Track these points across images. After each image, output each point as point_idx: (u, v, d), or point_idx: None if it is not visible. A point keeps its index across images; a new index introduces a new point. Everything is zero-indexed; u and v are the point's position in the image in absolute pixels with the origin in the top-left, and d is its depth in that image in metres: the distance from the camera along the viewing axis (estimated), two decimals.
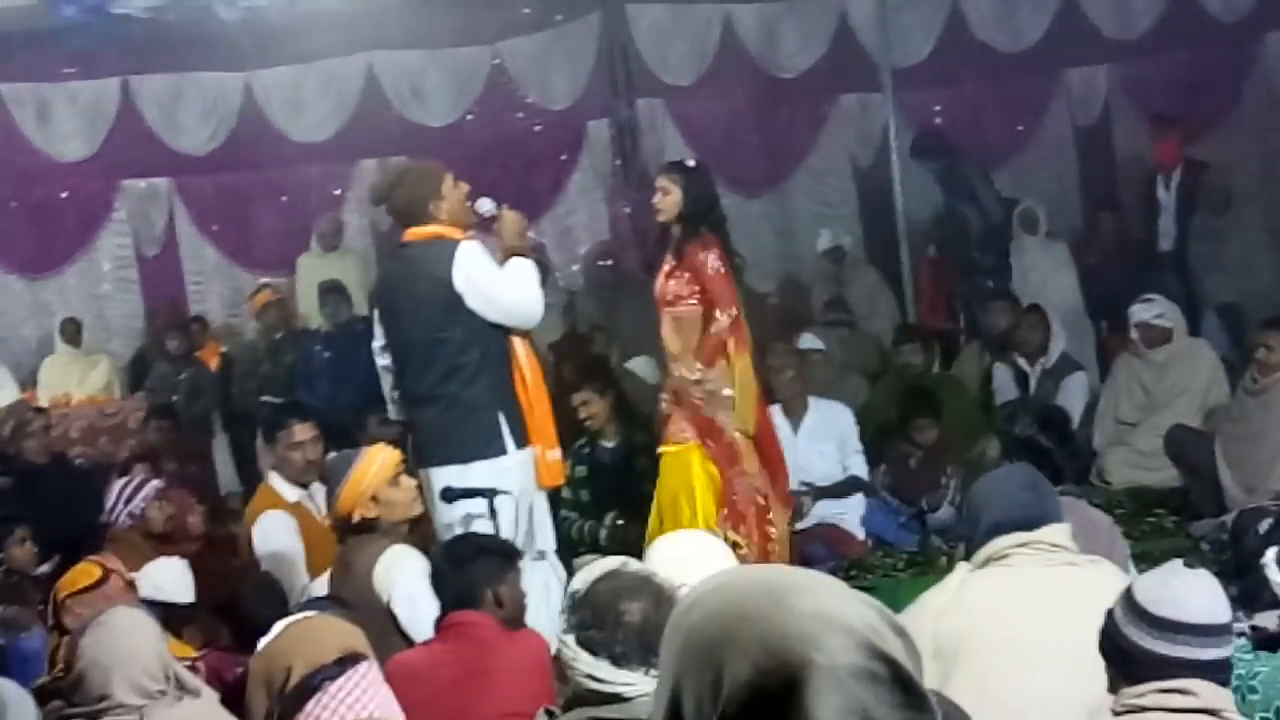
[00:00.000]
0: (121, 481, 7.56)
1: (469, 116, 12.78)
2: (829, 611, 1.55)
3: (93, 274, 12.81)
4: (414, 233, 6.50)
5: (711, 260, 6.94)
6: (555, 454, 6.61)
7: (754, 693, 1.51)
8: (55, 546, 7.18)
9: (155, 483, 7.55)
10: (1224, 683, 3.34)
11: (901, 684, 1.54)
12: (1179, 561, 3.46)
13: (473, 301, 6.29)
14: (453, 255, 6.30)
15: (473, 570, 4.81)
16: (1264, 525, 6.55)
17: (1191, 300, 10.53)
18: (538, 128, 12.96)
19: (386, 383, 6.70)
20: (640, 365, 9.81)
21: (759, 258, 12.04)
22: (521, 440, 6.40)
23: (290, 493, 7.07)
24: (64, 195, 12.60)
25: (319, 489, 7.01)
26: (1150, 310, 9.11)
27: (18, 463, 9.24)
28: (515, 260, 6.43)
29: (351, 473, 5.78)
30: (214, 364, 11.85)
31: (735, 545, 6.71)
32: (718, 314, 6.93)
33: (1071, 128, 13.40)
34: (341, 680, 3.61)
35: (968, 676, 3.78)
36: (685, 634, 1.59)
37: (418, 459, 6.48)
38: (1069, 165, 13.43)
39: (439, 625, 4.84)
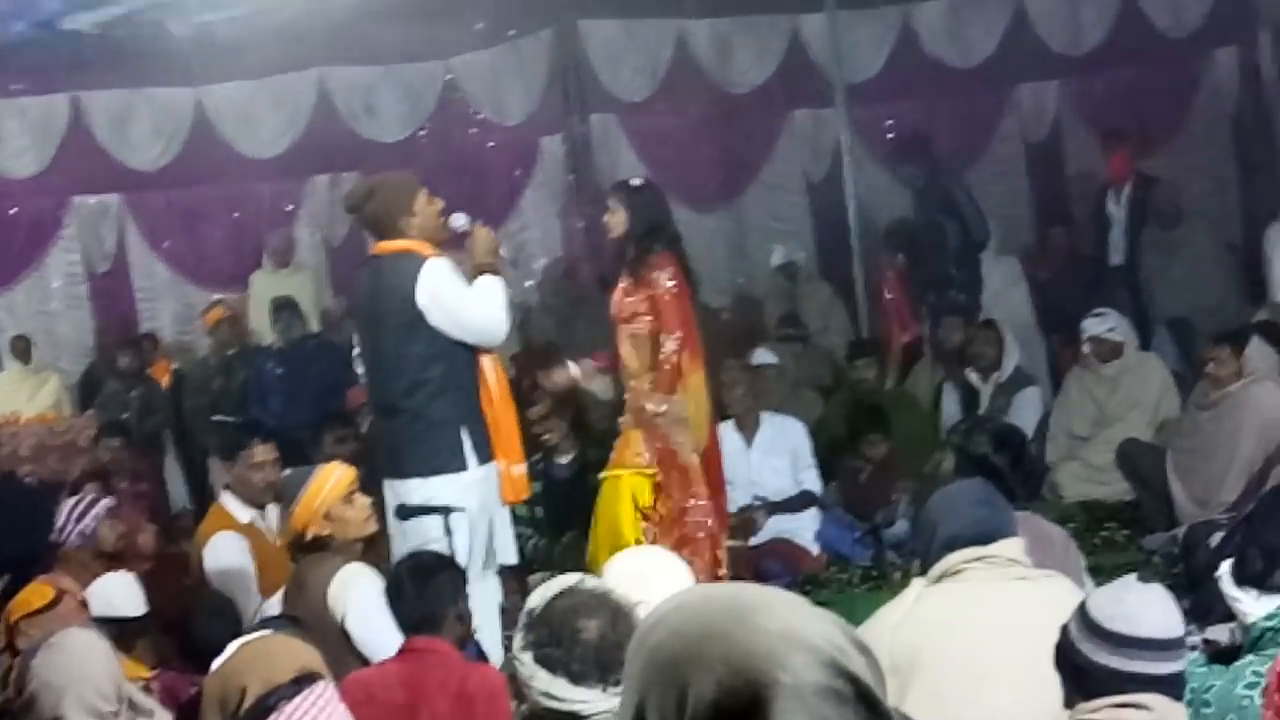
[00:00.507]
0: (72, 500, 7.49)
1: (422, 132, 12.76)
2: (793, 629, 1.54)
3: (42, 291, 12.71)
4: (383, 246, 6.50)
5: (664, 280, 6.94)
6: (520, 469, 6.62)
7: (719, 712, 1.51)
8: (4, 566, 7.10)
9: (106, 501, 7.48)
10: (1178, 697, 3.36)
11: (866, 702, 1.54)
12: (1133, 576, 3.47)
13: (435, 319, 6.28)
14: (418, 271, 6.28)
15: (435, 588, 4.79)
16: (1215, 539, 6.62)
17: (1142, 314, 10.58)
18: (491, 143, 12.95)
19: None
20: (594, 382, 9.79)
21: (712, 273, 12.06)
22: (485, 455, 6.40)
23: (243, 513, 7.02)
24: (13, 211, 12.51)
25: (272, 510, 6.99)
26: (1102, 324, 9.16)
27: None
28: (484, 278, 6.42)
29: (305, 490, 5.75)
30: (165, 381, 11.78)
31: None
32: (663, 338, 6.94)
33: (1022, 143, 13.50)
34: (298, 700, 3.58)
35: (924, 691, 3.79)
36: (649, 652, 1.58)
37: (383, 471, 6.53)
38: (1020, 180, 13.52)
39: (400, 647, 4.81)
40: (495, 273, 6.49)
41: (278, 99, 12.55)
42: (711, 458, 7.26)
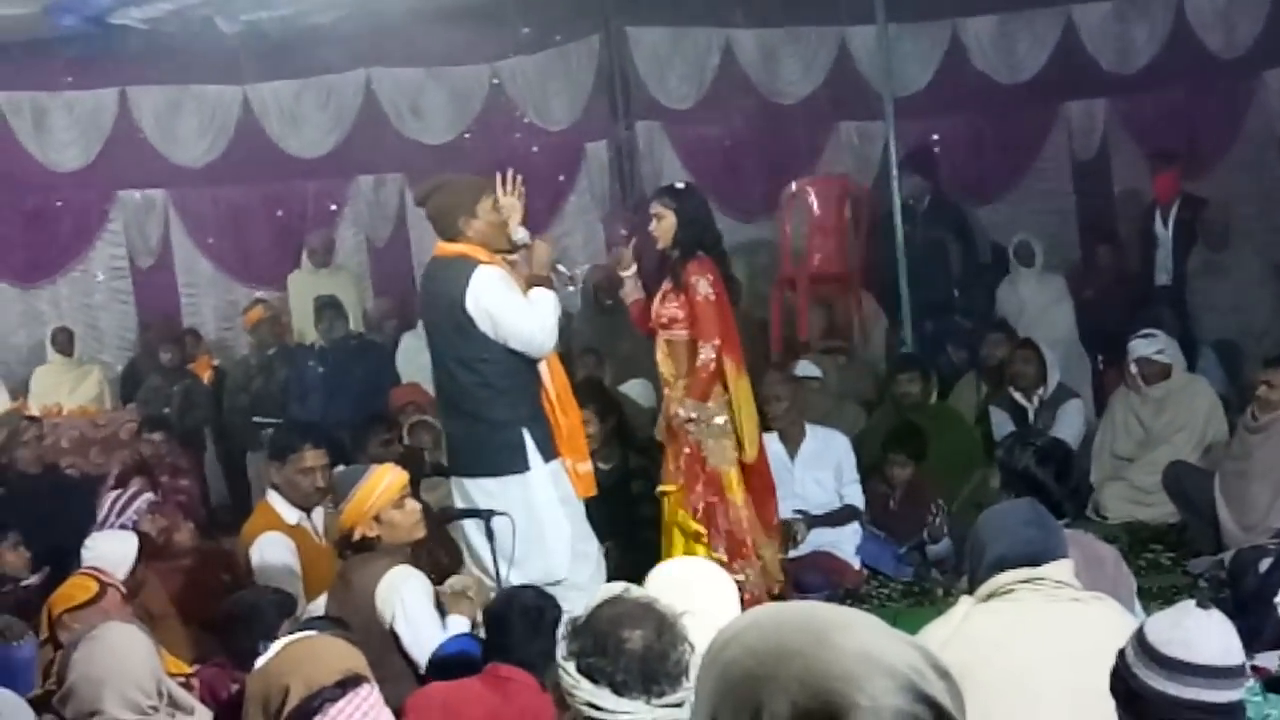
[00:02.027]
0: (114, 493, 7.52)
1: (467, 135, 12.79)
2: (872, 651, 1.51)
3: (87, 284, 12.79)
4: (442, 248, 6.56)
5: (703, 286, 6.94)
6: (586, 466, 6.70)
7: None
8: (46, 558, 7.12)
9: (148, 495, 7.52)
10: None
11: None
12: (1191, 602, 3.41)
13: (484, 326, 6.31)
14: (469, 278, 6.31)
15: (540, 633, 4.72)
16: (1264, 564, 6.55)
17: (1188, 336, 10.51)
18: (535, 148, 12.95)
19: None
20: (634, 389, 9.78)
21: (755, 283, 12.03)
22: (549, 454, 6.46)
23: (290, 514, 7.01)
24: (59, 204, 12.58)
25: (319, 512, 6.98)
26: (1151, 346, 9.10)
27: (9, 472, 9.20)
28: (537, 290, 6.44)
29: (358, 491, 5.76)
30: (207, 377, 11.81)
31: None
32: (700, 345, 6.93)
33: (1070, 160, 13.40)
34: (342, 703, 3.56)
35: (972, 711, 3.73)
36: (722, 669, 1.55)
37: (451, 468, 6.67)
38: (1067, 198, 13.43)
39: (485, 670, 4.79)
40: (549, 286, 6.50)
41: (324, 98, 12.61)
42: (760, 466, 7.24)
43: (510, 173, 6.56)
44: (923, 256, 11.20)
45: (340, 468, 6.58)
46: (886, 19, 10.85)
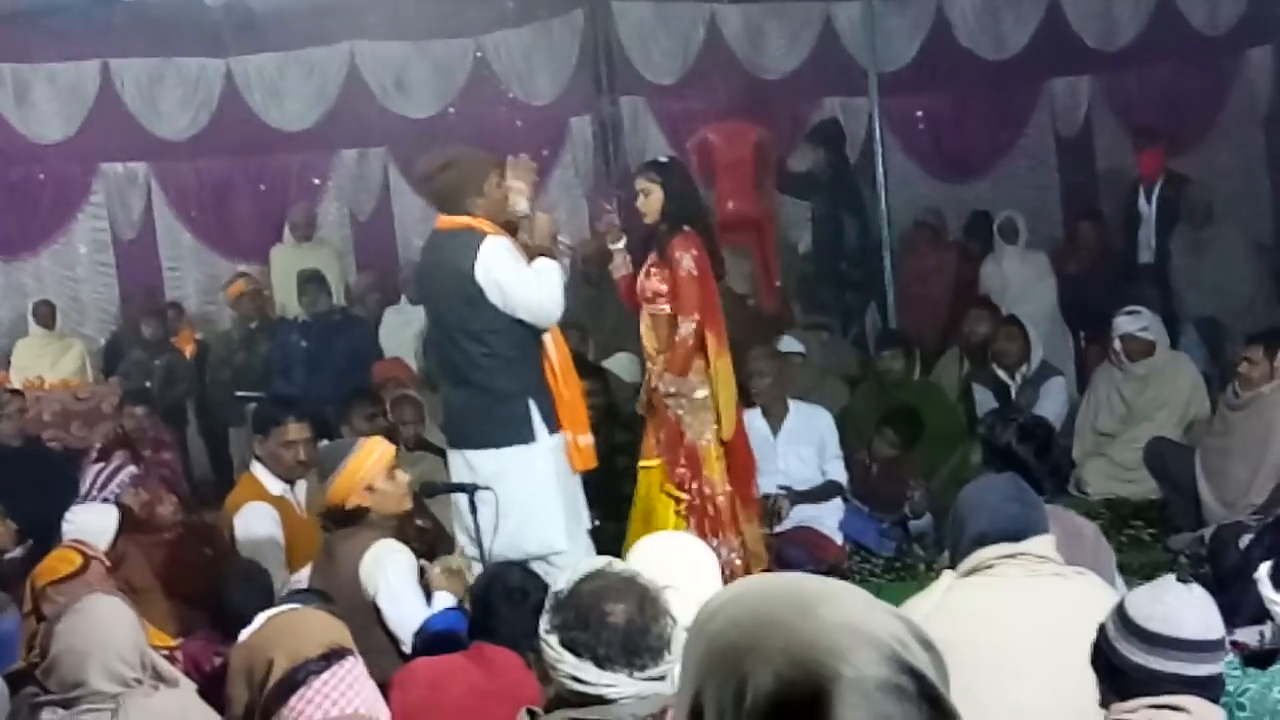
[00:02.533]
0: (97, 467, 7.51)
1: (450, 109, 12.75)
2: (857, 622, 1.51)
3: (69, 257, 12.75)
4: (446, 221, 6.51)
5: (686, 261, 6.94)
6: (587, 439, 6.67)
7: (777, 704, 1.47)
8: (28, 531, 7.12)
9: (131, 469, 7.51)
10: (1215, 699, 3.33)
11: (929, 699, 1.50)
12: (1171, 576, 3.44)
13: (493, 296, 6.31)
14: (478, 249, 6.31)
15: (522, 614, 4.69)
16: (1244, 540, 6.59)
17: (1170, 313, 10.51)
18: (519, 123, 12.91)
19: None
20: (619, 363, 9.79)
21: (738, 258, 12.04)
22: (553, 426, 6.46)
23: (274, 485, 7.05)
24: (41, 177, 12.54)
25: (301, 484, 6.99)
26: (1135, 323, 9.11)
27: None
28: (541, 261, 6.44)
29: (349, 460, 5.77)
30: (189, 351, 11.80)
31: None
32: (680, 320, 6.94)
33: (1054, 137, 13.42)
34: (326, 675, 3.57)
35: (953, 685, 3.75)
36: (707, 641, 1.55)
37: (451, 440, 6.61)
38: (1050, 174, 13.46)
39: (469, 647, 4.79)
40: (552, 257, 6.52)
41: (307, 72, 12.57)
42: (739, 443, 7.25)
43: (524, 157, 6.61)
44: (819, 229, 11.34)
45: (324, 442, 6.58)
46: None
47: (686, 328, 6.93)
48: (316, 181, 13.05)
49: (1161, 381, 9.09)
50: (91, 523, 6.37)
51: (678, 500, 7.02)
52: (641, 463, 7.21)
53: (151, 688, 4.07)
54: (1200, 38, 12.34)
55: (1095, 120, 13.30)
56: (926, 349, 10.30)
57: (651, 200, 7.03)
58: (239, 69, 12.42)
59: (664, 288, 7.01)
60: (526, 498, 6.31)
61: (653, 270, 7.08)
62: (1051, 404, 9.26)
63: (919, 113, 13.08)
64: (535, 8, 12.68)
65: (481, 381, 6.42)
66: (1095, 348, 10.27)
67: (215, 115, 12.42)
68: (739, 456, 7.27)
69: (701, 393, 7.04)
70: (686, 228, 7.03)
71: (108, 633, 4.07)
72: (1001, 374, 9.56)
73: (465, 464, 6.45)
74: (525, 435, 6.40)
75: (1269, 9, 12.02)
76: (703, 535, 6.83)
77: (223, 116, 12.42)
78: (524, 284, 6.32)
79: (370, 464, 5.78)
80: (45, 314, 11.83)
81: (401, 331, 11.44)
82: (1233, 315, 10.56)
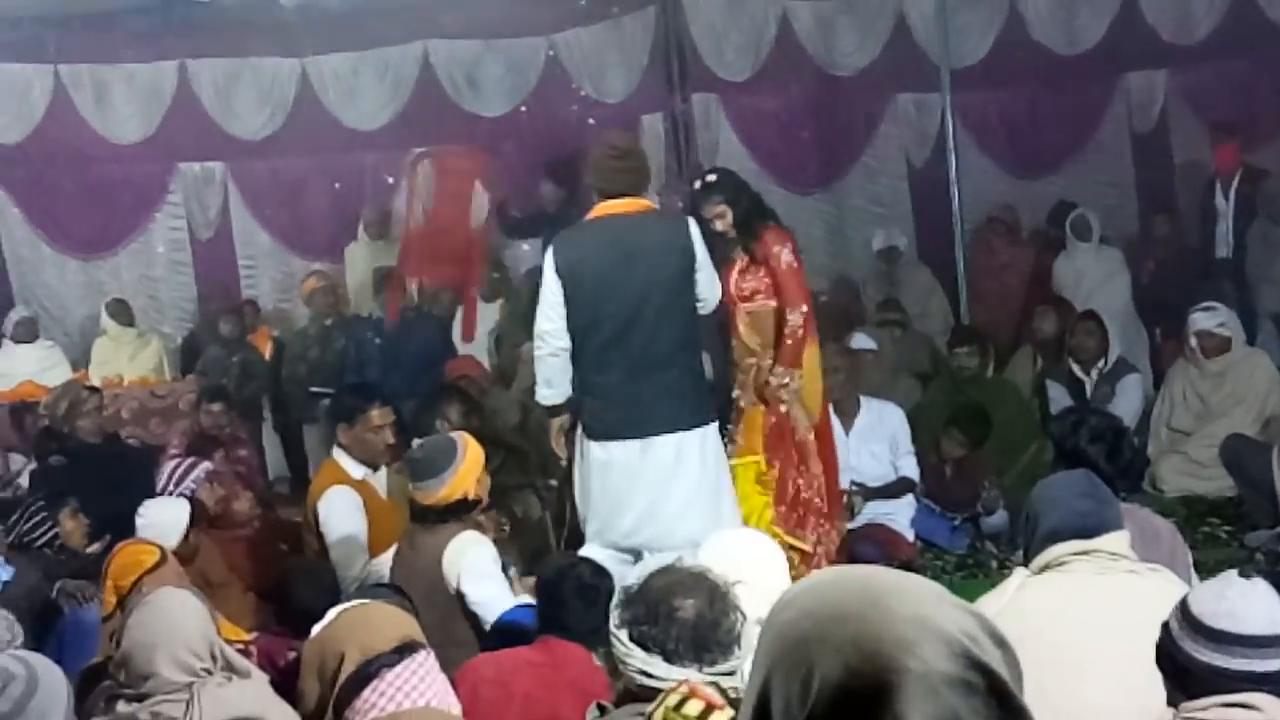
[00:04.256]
0: (173, 463, 7.59)
1: (523, 108, 12.80)
2: (927, 617, 1.51)
3: (146, 256, 12.89)
4: (634, 204, 6.54)
5: (785, 254, 6.97)
6: None
7: (844, 694, 1.48)
8: (106, 526, 7.20)
9: (206, 465, 7.58)
10: None
11: (998, 696, 1.50)
12: (1233, 572, 3.39)
13: (701, 274, 6.48)
14: (689, 229, 6.49)
15: (594, 610, 4.71)
16: None
17: (1247, 308, 10.43)
18: (592, 120, 12.93)
19: (551, 368, 6.64)
20: None
21: (811, 255, 11.97)
22: None
23: (356, 471, 7.09)
24: (120, 177, 12.67)
25: (383, 471, 7.04)
26: (1212, 319, 9.04)
27: (70, 442, 9.29)
28: None
29: (466, 454, 5.83)
30: (265, 348, 11.89)
31: (795, 549, 6.78)
32: (788, 312, 6.93)
33: (1129, 132, 13.29)
34: (399, 669, 3.59)
35: (1025, 683, 3.74)
36: (778, 631, 1.56)
37: (647, 428, 6.49)
38: (1126, 170, 13.33)
39: (537, 640, 4.81)
40: None
41: (381, 71, 12.65)
42: (824, 435, 7.24)
43: None
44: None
45: (420, 440, 6.63)
46: None
47: (796, 319, 6.94)
48: (390, 180, 13.11)
49: (1238, 378, 9.01)
50: (164, 517, 6.45)
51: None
52: (734, 460, 7.17)
53: (225, 679, 4.11)
54: (1277, 31, 12.20)
55: (1171, 115, 13.16)
56: (1000, 345, 10.24)
57: (726, 220, 7.05)
58: (314, 69, 12.53)
59: (762, 284, 7.02)
60: (703, 478, 6.48)
61: (747, 269, 7.08)
62: (1127, 401, 9.20)
63: (992, 109, 12.98)
64: (607, 5, 12.69)
65: (686, 362, 6.54)
66: (1171, 344, 10.20)
67: (290, 115, 12.54)
68: (827, 449, 7.27)
69: (799, 383, 7.04)
70: (771, 222, 7.06)
71: (175, 623, 4.11)
72: (1077, 370, 9.50)
73: (688, 446, 6.48)
74: (712, 413, 6.65)
75: None
76: (806, 528, 6.88)
77: (298, 116, 12.53)
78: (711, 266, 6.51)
79: (480, 457, 5.89)
80: (120, 311, 11.95)
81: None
82: None
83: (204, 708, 3.94)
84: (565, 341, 6.51)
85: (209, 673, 4.06)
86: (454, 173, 11.26)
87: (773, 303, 7.02)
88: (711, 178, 7.36)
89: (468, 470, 5.81)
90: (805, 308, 6.97)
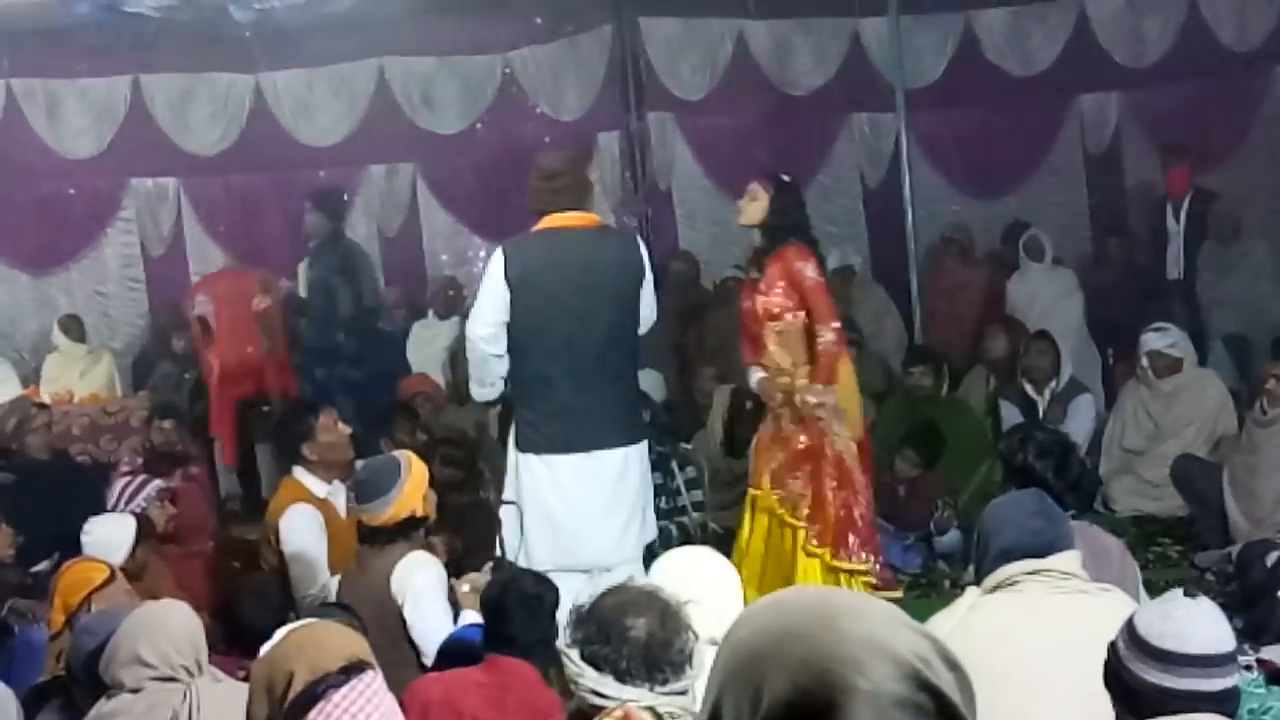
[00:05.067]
0: (124, 480, 7.55)
1: (479, 125, 12.78)
2: (878, 637, 1.51)
3: (98, 271, 12.81)
4: (583, 218, 6.52)
5: (809, 270, 6.87)
6: None
7: (793, 713, 1.48)
8: (54, 544, 7.15)
9: (157, 482, 7.54)
10: (1231, 713, 3.30)
11: (948, 719, 1.50)
12: (1179, 591, 3.41)
13: (646, 291, 6.50)
14: (638, 246, 6.57)
15: (538, 620, 4.73)
16: (1271, 558, 6.56)
17: (1198, 330, 10.51)
18: (547, 139, 12.91)
19: (487, 368, 6.62)
20: (643, 379, 9.76)
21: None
22: None
23: (318, 488, 6.98)
24: (72, 192, 12.59)
25: (341, 489, 6.98)
26: (1163, 339, 9.10)
27: (19, 459, 9.22)
28: None
29: (410, 472, 5.79)
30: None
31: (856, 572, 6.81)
32: (820, 329, 6.86)
33: (1082, 154, 13.39)
34: (345, 689, 3.56)
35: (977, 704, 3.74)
36: (731, 648, 1.57)
37: (594, 441, 6.47)
38: (1079, 191, 13.42)
39: (484, 660, 4.78)
40: None
41: (336, 87, 12.61)
42: (864, 448, 7.20)
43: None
44: (313, 297, 10.92)
45: (363, 460, 6.59)
46: (899, 10, 10.85)
47: (829, 335, 6.86)
48: (345, 197, 13.06)
49: (1189, 398, 9.07)
50: (108, 534, 6.40)
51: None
52: (753, 490, 7.11)
53: (215, 679, 4.18)
54: (1229, 54, 12.31)
55: (1124, 137, 13.26)
56: (954, 365, 10.27)
57: (755, 206, 6.97)
58: (268, 85, 12.47)
59: (789, 301, 6.91)
60: (642, 491, 6.55)
61: (770, 288, 6.95)
62: (1079, 421, 9.25)
63: (947, 129, 13.04)
64: (563, 24, 12.68)
65: (631, 379, 6.60)
66: (1123, 365, 10.25)
67: (245, 131, 12.47)
68: (864, 461, 7.19)
69: (834, 399, 6.98)
70: (794, 239, 6.96)
71: (163, 620, 4.25)
72: (1030, 390, 9.54)
73: (636, 460, 6.52)
74: (645, 430, 6.69)
75: None
76: (848, 547, 6.84)
77: (252, 132, 12.47)
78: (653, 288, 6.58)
79: (424, 474, 5.85)
80: (72, 327, 11.87)
81: (428, 346, 11.45)
82: (1261, 332, 10.54)
83: (201, 700, 4.03)
84: (500, 348, 6.49)
85: (189, 673, 4.10)
86: (231, 299, 11.14)
87: (800, 317, 6.90)
88: (786, 178, 7.28)
89: (413, 488, 5.76)
90: (836, 324, 6.91)
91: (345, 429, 7.10)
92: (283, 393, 10.83)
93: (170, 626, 4.20)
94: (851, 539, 6.92)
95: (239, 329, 11.09)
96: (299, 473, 7.07)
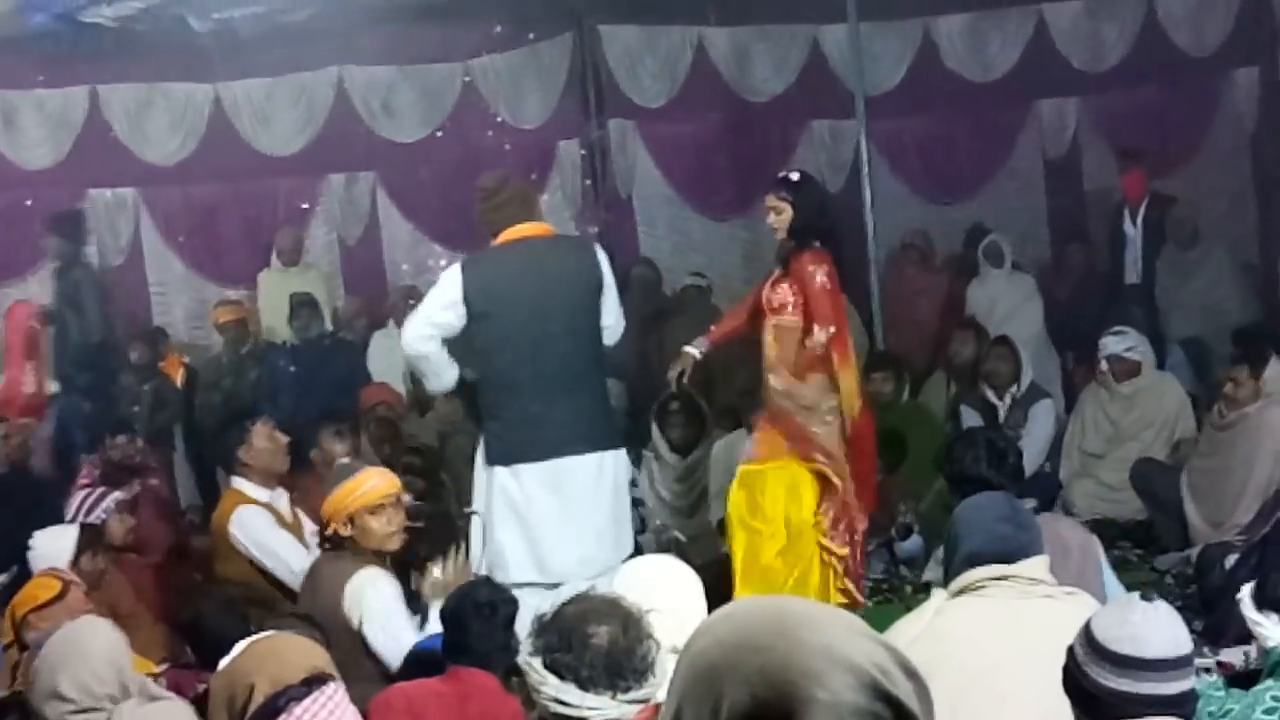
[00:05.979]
0: (82, 492, 7.51)
1: (439, 133, 12.76)
2: (837, 648, 1.51)
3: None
4: (537, 228, 6.60)
5: (819, 276, 6.87)
6: None
7: None
8: (13, 558, 7.09)
9: (116, 494, 7.49)
10: (1188, 716, 3.30)
11: None
12: (1136, 595, 3.41)
13: (608, 298, 6.56)
14: (596, 253, 6.62)
15: (493, 628, 4.71)
16: (1229, 560, 6.60)
17: (1156, 333, 10.54)
18: (508, 146, 12.89)
19: (431, 363, 6.62)
20: None
21: (727, 280, 12.05)
22: None
23: (259, 494, 6.93)
24: (29, 203, 12.47)
25: (283, 495, 6.95)
26: (1122, 343, 9.13)
27: None
28: None
29: (342, 485, 5.75)
30: (178, 376, 11.75)
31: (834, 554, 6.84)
32: (815, 329, 6.87)
33: (1042, 159, 13.44)
34: (307, 701, 3.55)
35: (937, 707, 3.73)
36: (691, 658, 1.57)
37: (566, 447, 6.48)
38: (1038, 196, 13.47)
39: (446, 671, 4.76)
40: None
41: (295, 96, 12.58)
42: (866, 447, 7.22)
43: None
44: (56, 325, 10.68)
45: (342, 461, 6.59)
46: (858, 18, 10.86)
47: (820, 336, 6.86)
48: (304, 206, 13.02)
49: (1148, 402, 9.11)
50: (49, 546, 6.36)
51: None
52: (742, 466, 7.10)
53: (144, 700, 4.09)
54: (1186, 59, 12.40)
55: (1083, 142, 13.32)
56: (914, 371, 10.30)
57: (783, 218, 6.96)
58: (227, 94, 12.43)
59: (791, 299, 6.95)
60: (615, 503, 6.57)
61: (780, 281, 7.02)
62: (1040, 426, 9.27)
63: (907, 135, 13.08)
64: (523, 32, 12.67)
65: (599, 386, 6.62)
66: (1083, 369, 10.29)
67: (203, 141, 12.42)
68: (866, 461, 7.23)
69: (827, 405, 6.98)
70: (817, 244, 6.97)
71: (83, 647, 4.12)
72: (990, 395, 9.56)
73: (614, 466, 6.56)
74: (621, 438, 6.74)
75: (1254, 31, 12.09)
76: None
77: (211, 142, 12.41)
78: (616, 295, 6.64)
79: (359, 494, 5.73)
80: None
81: (389, 356, 11.38)
82: (1219, 336, 10.58)
83: None
84: (431, 348, 6.53)
85: (112, 700, 4.02)
86: (16, 323, 10.93)
87: (799, 320, 6.92)
88: (794, 176, 7.28)
89: (336, 499, 5.74)
90: (834, 328, 6.88)
91: (282, 438, 7.04)
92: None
93: (90, 652, 4.08)
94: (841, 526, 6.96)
95: (15, 355, 10.81)
96: (239, 481, 7.03)
